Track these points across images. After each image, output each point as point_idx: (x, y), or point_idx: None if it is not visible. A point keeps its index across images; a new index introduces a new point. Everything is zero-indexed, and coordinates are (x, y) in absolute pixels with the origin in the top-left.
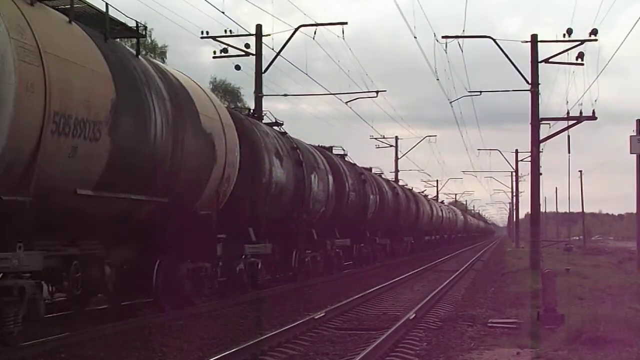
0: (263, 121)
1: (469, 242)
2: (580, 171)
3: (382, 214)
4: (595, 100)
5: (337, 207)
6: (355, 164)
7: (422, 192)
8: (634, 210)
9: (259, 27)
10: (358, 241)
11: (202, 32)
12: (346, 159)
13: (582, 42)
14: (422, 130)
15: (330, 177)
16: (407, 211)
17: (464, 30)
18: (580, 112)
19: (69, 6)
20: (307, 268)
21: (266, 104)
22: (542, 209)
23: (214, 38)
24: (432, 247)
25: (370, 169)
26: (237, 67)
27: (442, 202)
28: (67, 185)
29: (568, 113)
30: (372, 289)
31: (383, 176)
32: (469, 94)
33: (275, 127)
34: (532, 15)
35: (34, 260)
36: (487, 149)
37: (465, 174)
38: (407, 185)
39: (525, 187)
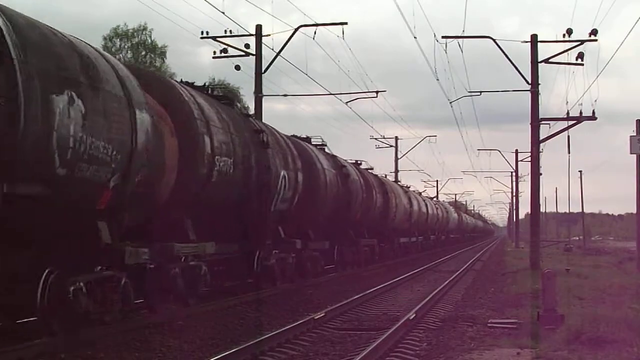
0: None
1: (465, 243)
2: (580, 171)
3: (314, 203)
4: (595, 101)
5: (183, 184)
6: (250, 117)
7: (420, 191)
8: (634, 211)
9: (258, 28)
10: (257, 245)
11: (201, 32)
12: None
13: (582, 42)
14: (422, 130)
15: (146, 116)
16: (367, 203)
17: (463, 31)
18: (580, 112)
19: None
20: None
21: (265, 104)
22: (542, 209)
23: (214, 38)
24: (411, 251)
25: (307, 139)
26: (237, 67)
27: (432, 198)
28: None
29: (568, 113)
30: (372, 289)
31: (327, 150)
32: (469, 94)
33: None
34: (530, 15)
35: None
36: (487, 149)
37: (465, 174)
38: (410, 187)
39: (525, 187)
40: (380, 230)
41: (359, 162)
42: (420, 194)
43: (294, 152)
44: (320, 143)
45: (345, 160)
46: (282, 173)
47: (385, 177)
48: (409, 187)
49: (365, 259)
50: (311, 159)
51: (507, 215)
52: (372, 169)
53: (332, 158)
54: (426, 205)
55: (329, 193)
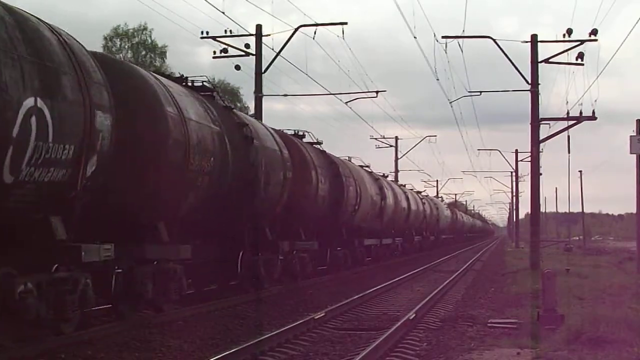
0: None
1: (462, 244)
2: (580, 171)
3: (162, 176)
4: (595, 101)
5: None
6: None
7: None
8: (634, 210)
9: (259, 27)
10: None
11: (201, 32)
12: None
13: (582, 42)
14: (422, 130)
15: None
16: (300, 188)
17: (463, 31)
18: (580, 112)
19: None
20: None
21: (265, 104)
22: (542, 209)
23: (214, 38)
24: (383, 257)
25: (169, 75)
26: (237, 67)
27: (419, 192)
28: None
29: (568, 113)
30: (372, 289)
31: (220, 100)
32: (469, 94)
33: None
34: (530, 15)
35: None
36: (487, 149)
37: (465, 174)
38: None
39: (525, 187)
40: (332, 229)
41: (299, 132)
42: (402, 186)
43: (94, 72)
44: (192, 80)
45: (268, 126)
46: (25, 103)
47: (386, 176)
48: (386, 175)
49: (301, 271)
50: (150, 95)
51: (507, 215)
52: (320, 143)
53: (224, 110)
54: (407, 198)
55: (203, 163)
